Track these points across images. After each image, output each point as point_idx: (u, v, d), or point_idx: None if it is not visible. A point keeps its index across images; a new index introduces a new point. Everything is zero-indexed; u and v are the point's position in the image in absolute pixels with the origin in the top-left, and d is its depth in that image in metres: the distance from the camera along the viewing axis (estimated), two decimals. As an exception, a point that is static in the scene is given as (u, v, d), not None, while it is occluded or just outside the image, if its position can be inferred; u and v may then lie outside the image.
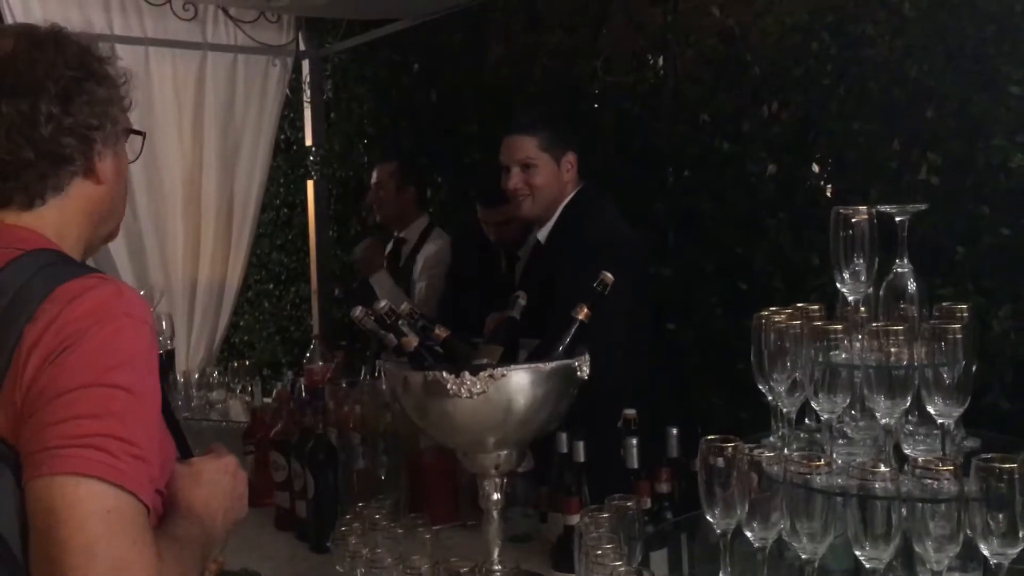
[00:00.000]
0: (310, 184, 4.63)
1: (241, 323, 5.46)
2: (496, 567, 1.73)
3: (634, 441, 1.85)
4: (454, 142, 4.33)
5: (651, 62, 3.77)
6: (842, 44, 3.09)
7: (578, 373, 1.77)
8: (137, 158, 1.40)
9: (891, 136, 2.96)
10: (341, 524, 1.79)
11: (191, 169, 4.26)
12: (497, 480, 1.82)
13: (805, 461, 1.11)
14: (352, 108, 4.78)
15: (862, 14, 3.03)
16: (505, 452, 1.80)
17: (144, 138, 1.40)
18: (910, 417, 1.26)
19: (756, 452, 1.14)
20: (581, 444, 1.95)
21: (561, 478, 1.97)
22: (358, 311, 1.78)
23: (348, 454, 2.18)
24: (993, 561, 1.07)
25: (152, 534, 1.05)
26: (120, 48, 4.04)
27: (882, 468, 1.08)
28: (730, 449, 1.14)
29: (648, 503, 1.70)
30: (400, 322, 1.73)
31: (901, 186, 2.92)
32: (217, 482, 1.28)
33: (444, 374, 1.67)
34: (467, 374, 1.67)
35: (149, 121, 4.10)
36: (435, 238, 3.77)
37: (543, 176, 2.58)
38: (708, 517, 1.18)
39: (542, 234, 2.63)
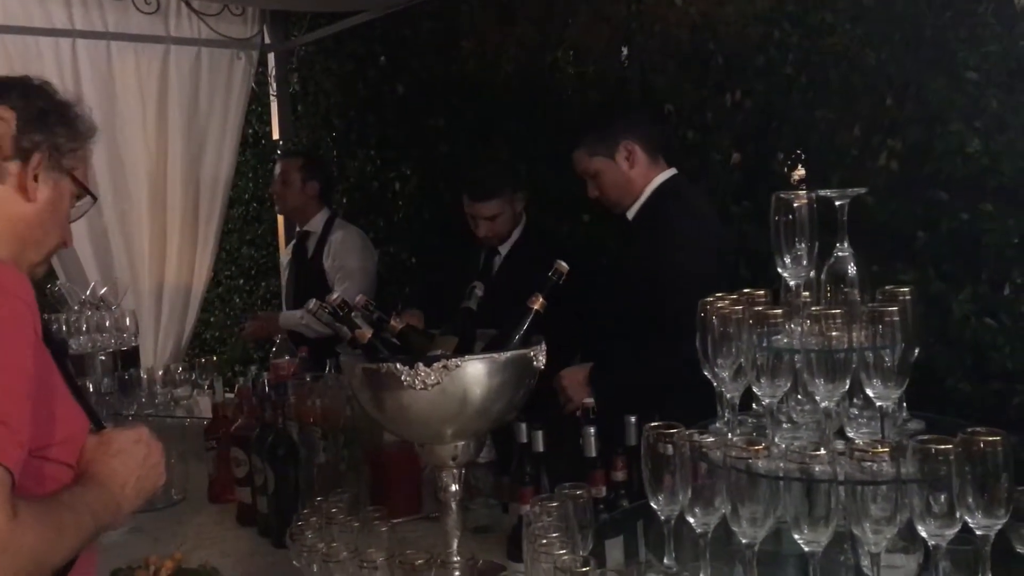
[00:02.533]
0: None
1: (212, 319, 5.43)
2: (454, 558, 1.73)
3: (591, 430, 1.85)
4: (422, 135, 4.32)
5: (618, 53, 3.78)
6: (803, 33, 3.11)
7: (534, 363, 1.77)
8: (80, 216, 1.51)
9: (852, 123, 2.98)
10: (298, 519, 1.78)
11: (156, 165, 4.21)
12: (455, 471, 1.81)
13: (745, 446, 1.12)
14: (319, 101, 4.75)
15: (822, 2, 3.05)
16: (463, 443, 1.79)
17: (93, 203, 1.51)
18: (855, 400, 1.27)
19: (698, 438, 1.14)
20: (540, 433, 1.95)
21: (521, 468, 1.97)
22: (312, 304, 1.77)
23: (309, 449, 2.16)
24: (931, 542, 1.08)
25: (10, 497, 1.07)
26: (81, 44, 4.03)
27: (820, 451, 1.08)
28: (673, 436, 1.15)
29: (603, 491, 1.71)
30: (354, 314, 1.72)
31: (862, 172, 2.94)
32: (128, 451, 1.33)
33: (398, 365, 1.66)
34: (421, 365, 1.66)
35: (112, 117, 4.07)
36: (339, 228, 3.82)
37: (607, 178, 2.61)
38: (652, 504, 1.18)
39: (630, 212, 2.64)
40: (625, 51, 3.79)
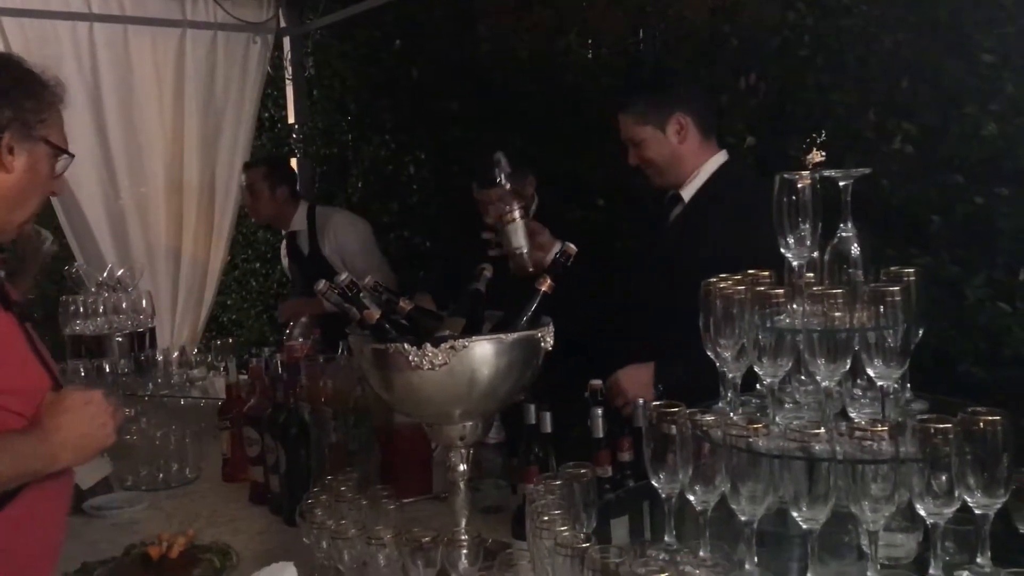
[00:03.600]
0: (294, 162, 4.62)
1: (228, 302, 5.47)
2: (461, 537, 1.75)
3: (599, 411, 1.86)
4: (437, 119, 4.32)
5: (633, 37, 3.76)
6: (818, 15, 3.08)
7: (542, 344, 1.77)
8: (61, 174, 1.61)
9: (867, 107, 2.96)
10: (308, 497, 1.80)
11: (172, 148, 4.25)
12: (463, 451, 1.82)
13: (745, 425, 1.12)
14: (334, 85, 4.76)
15: (837, -17, 3.02)
16: (471, 423, 1.80)
17: (71, 159, 1.60)
18: (858, 381, 1.27)
19: (699, 417, 1.15)
20: (548, 415, 1.97)
21: (529, 449, 1.98)
22: (321, 285, 1.78)
23: (321, 428, 2.19)
24: (930, 521, 1.08)
25: None
26: (98, 27, 4.06)
27: (819, 430, 1.09)
28: (675, 414, 1.15)
29: (609, 472, 1.72)
30: (362, 295, 1.73)
31: (877, 156, 2.92)
32: (77, 410, 1.46)
33: (406, 346, 1.68)
34: (429, 346, 1.67)
35: (129, 100, 4.10)
36: (323, 216, 3.81)
37: (652, 149, 2.42)
38: (653, 482, 1.19)
39: (686, 192, 2.45)
40: (640, 34, 3.77)
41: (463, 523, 1.80)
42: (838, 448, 1.07)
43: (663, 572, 1.03)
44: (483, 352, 1.71)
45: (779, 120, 3.21)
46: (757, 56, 3.24)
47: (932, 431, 1.05)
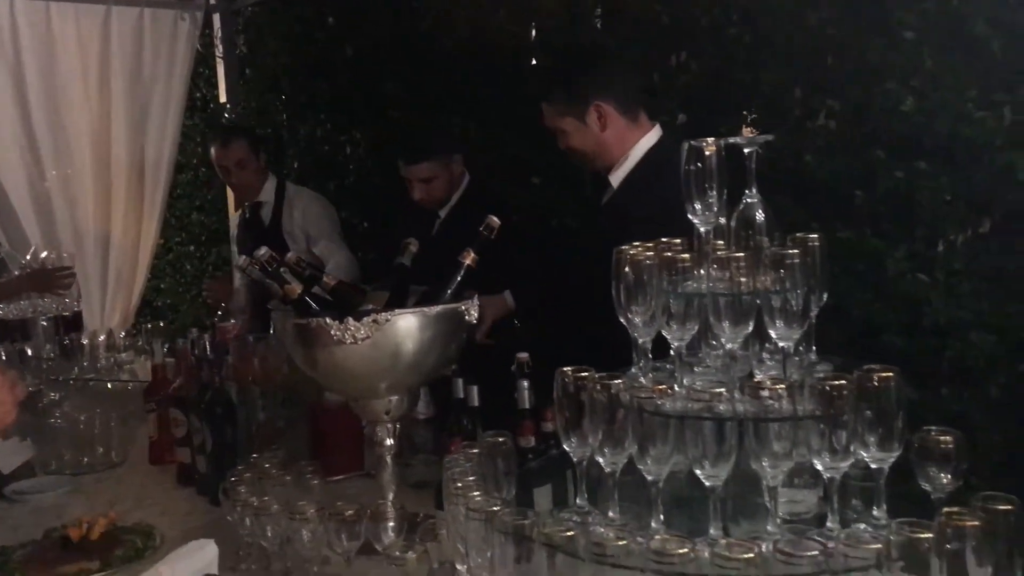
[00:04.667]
0: (225, 142, 4.52)
1: (163, 286, 5.37)
2: (387, 510, 1.75)
3: (525, 383, 1.87)
4: (374, 98, 4.27)
5: (568, 15, 3.76)
6: (746, -7, 3.12)
7: (466, 317, 1.78)
8: None
9: (793, 84, 3.01)
10: (232, 475, 1.78)
11: (99, 129, 4.14)
12: (390, 425, 1.83)
13: (651, 388, 1.14)
14: (267, 64, 4.67)
15: (765, -38, 3.06)
16: (396, 398, 1.80)
17: None
18: (767, 346, 1.30)
19: (608, 381, 1.16)
20: (475, 388, 1.97)
21: (457, 422, 1.99)
22: (242, 260, 1.76)
23: (248, 408, 2.17)
24: (827, 475, 1.11)
25: None
26: (20, 5, 3.93)
27: (720, 390, 1.11)
28: (584, 379, 1.17)
29: (532, 442, 1.74)
30: (283, 270, 1.71)
31: (803, 133, 2.98)
32: None
33: (328, 320, 1.67)
34: (351, 319, 1.66)
35: (53, 79, 3.99)
36: (295, 193, 3.76)
37: (574, 138, 2.40)
38: (565, 447, 1.21)
39: (615, 178, 2.42)
40: (575, 13, 3.77)
41: (390, 497, 1.81)
42: (740, 407, 1.09)
43: (569, 531, 1.05)
44: (407, 325, 1.71)
45: (710, 98, 3.24)
46: (688, 34, 3.27)
47: (829, 388, 1.08)
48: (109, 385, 2.86)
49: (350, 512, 1.60)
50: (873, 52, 2.79)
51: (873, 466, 1.13)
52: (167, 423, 2.32)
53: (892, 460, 1.12)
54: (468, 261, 1.80)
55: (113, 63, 4.13)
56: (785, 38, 3.03)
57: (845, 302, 2.79)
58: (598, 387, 1.15)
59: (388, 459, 1.84)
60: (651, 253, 1.23)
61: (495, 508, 1.13)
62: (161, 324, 3.44)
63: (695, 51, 3.26)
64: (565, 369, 1.19)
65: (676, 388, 1.15)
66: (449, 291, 1.79)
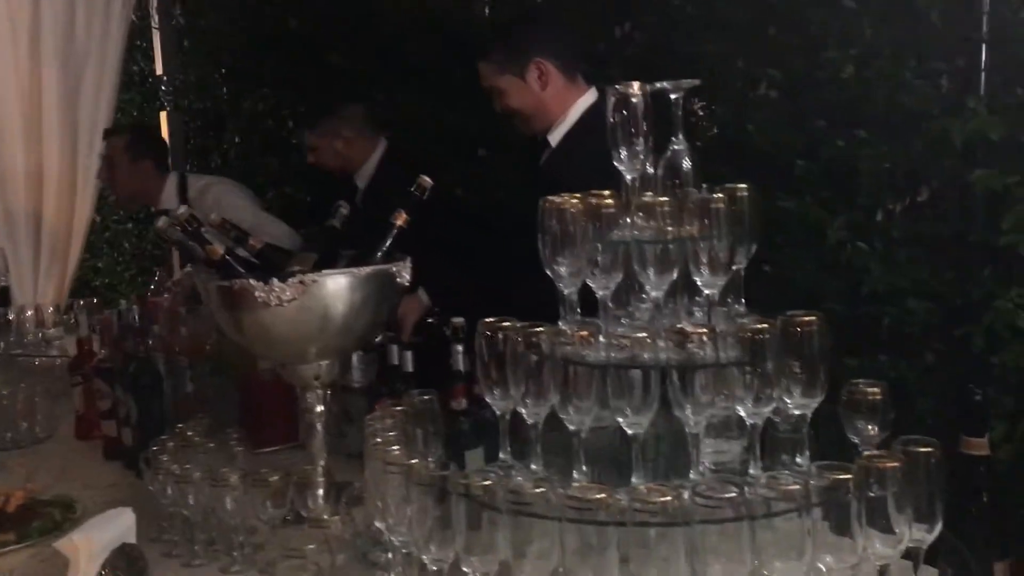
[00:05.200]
0: (164, 116, 4.41)
1: (100, 264, 5.22)
2: (317, 478, 1.70)
3: (459, 347, 1.84)
4: (319, 71, 4.18)
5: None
6: (689, -38, 3.10)
7: (397, 279, 1.74)
8: None
9: (736, 54, 3.00)
10: (154, 444, 1.72)
11: (30, 102, 3.99)
12: (320, 392, 1.78)
13: (573, 336, 1.11)
14: (207, 36, 4.55)
15: (707, -70, 3.04)
16: (327, 362, 1.76)
17: None
18: (697, 299, 1.27)
19: (529, 331, 1.13)
20: (409, 354, 1.93)
21: (391, 388, 1.95)
22: (162, 221, 1.69)
23: (176, 379, 2.10)
24: (749, 422, 1.10)
25: None
26: (-58, -30, 3.77)
27: (642, 334, 1.09)
28: (506, 328, 1.13)
29: (464, 404, 1.71)
30: (203, 230, 1.65)
31: (746, 104, 2.98)
32: None
33: (252, 281, 1.62)
34: (276, 281, 1.61)
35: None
36: (202, 190, 3.50)
37: (515, 98, 2.37)
38: (487, 399, 1.17)
39: (553, 137, 2.40)
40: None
41: (320, 465, 1.76)
42: (663, 356, 1.07)
43: (485, 480, 1.02)
44: (336, 287, 1.66)
45: (654, 69, 3.22)
46: (633, 4, 3.25)
47: (752, 334, 1.07)
48: (36, 361, 2.76)
49: (275, 478, 1.55)
50: (814, 22, 2.79)
51: (796, 412, 1.11)
52: (93, 397, 2.24)
53: (815, 406, 1.11)
54: (400, 222, 1.76)
55: (43, 34, 3.98)
56: (727, 8, 3.02)
57: (787, 271, 2.81)
58: (519, 337, 1.12)
59: (318, 426, 1.79)
60: (576, 202, 1.19)
61: (413, 461, 1.09)
62: (95, 300, 3.32)
63: (639, 22, 3.24)
64: (487, 320, 1.15)
65: (600, 338, 1.12)
66: (380, 252, 1.74)
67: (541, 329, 1.11)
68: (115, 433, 2.14)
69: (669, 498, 0.94)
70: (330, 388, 1.81)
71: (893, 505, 1.02)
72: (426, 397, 1.33)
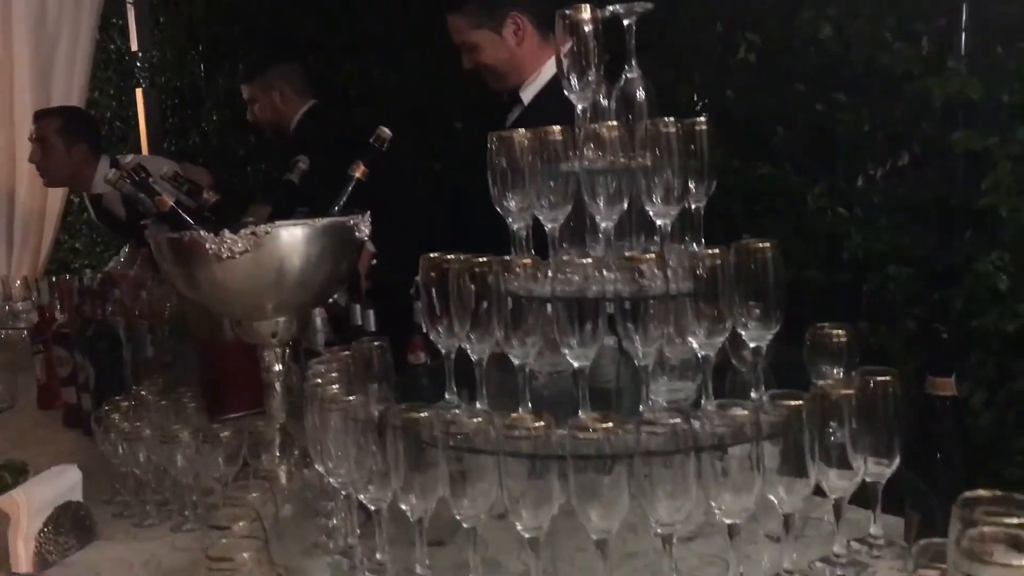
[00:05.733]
0: (139, 93, 4.35)
1: (78, 245, 5.16)
2: (269, 433, 1.66)
3: (419, 304, 1.79)
4: (294, 45, 4.12)
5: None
6: (666, -75, 3.05)
7: (355, 233, 1.69)
8: None
9: (714, 18, 2.96)
10: (106, 405, 1.67)
11: (2, 81, 3.93)
12: (278, 350, 1.73)
13: (519, 270, 1.07)
14: (182, 12, 4.48)
15: None
16: (284, 319, 1.71)
17: None
18: (655, 239, 1.23)
19: (472, 262, 1.08)
20: (371, 313, 1.89)
21: (353, 349, 1.90)
22: (111, 174, 1.64)
23: (136, 344, 2.05)
24: (701, 353, 1.05)
25: None
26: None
27: (587, 260, 1.04)
28: (449, 262, 1.09)
29: (423, 358, 1.66)
30: (152, 180, 1.60)
31: (724, 69, 2.93)
32: None
33: (202, 233, 1.56)
34: (227, 232, 1.56)
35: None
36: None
37: (489, 53, 2.30)
38: (431, 337, 1.12)
39: (526, 95, 2.34)
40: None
41: (277, 425, 1.72)
42: (610, 288, 1.02)
43: (423, 412, 0.97)
44: (291, 239, 1.61)
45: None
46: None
47: (704, 262, 1.02)
48: (1, 333, 2.70)
49: (227, 434, 1.51)
50: (791, -18, 2.75)
51: (752, 344, 1.07)
52: (54, 364, 2.19)
53: (769, 338, 1.06)
54: (358, 174, 1.71)
55: (14, 11, 3.92)
56: (704, -28, 2.98)
57: (766, 238, 2.76)
58: (464, 270, 1.07)
59: (277, 386, 1.74)
60: (525, 133, 1.14)
61: (350, 398, 1.05)
62: (67, 277, 3.26)
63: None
64: (431, 254, 1.10)
65: (548, 272, 1.07)
66: (338, 205, 1.69)
67: (485, 260, 1.06)
68: (75, 399, 2.09)
69: (609, 425, 0.89)
70: (289, 347, 1.76)
71: (848, 437, 0.97)
72: (376, 343, 1.28)
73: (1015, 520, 0.64)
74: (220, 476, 1.50)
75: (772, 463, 0.98)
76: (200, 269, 1.62)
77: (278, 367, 1.74)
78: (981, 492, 0.66)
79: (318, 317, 2.00)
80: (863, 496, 1.08)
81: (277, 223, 1.59)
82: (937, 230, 2.61)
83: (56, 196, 4.11)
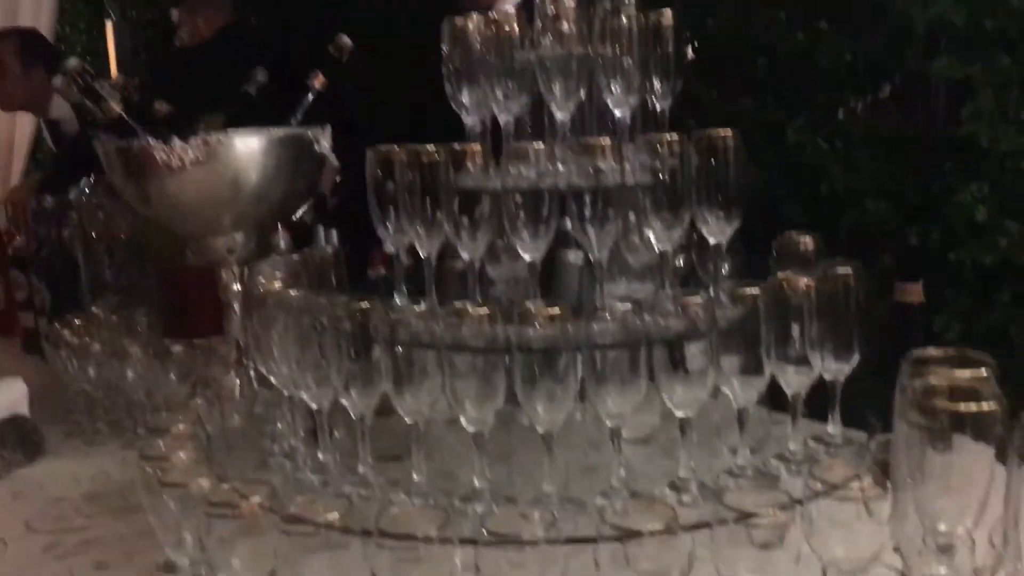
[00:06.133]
0: (109, 26, 4.22)
1: (50, 187, 5.06)
2: (223, 348, 1.61)
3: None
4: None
5: None
6: None
7: (315, 147, 1.63)
8: None
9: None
10: (58, 322, 1.62)
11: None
12: (236, 268, 1.68)
13: (468, 162, 1.02)
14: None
15: None
16: (241, 234, 1.65)
17: None
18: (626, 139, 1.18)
19: (417, 152, 1.03)
20: (334, 232, 1.84)
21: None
22: (58, 80, 1.57)
23: (93, 267, 1.99)
24: (659, 247, 1.01)
25: None
26: None
27: (539, 147, 0.99)
28: (394, 154, 1.03)
29: (383, 271, 1.61)
30: (98, 84, 1.53)
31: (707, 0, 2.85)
32: None
33: (151, 141, 1.50)
34: (176, 140, 1.50)
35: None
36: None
37: None
38: (380, 234, 1.08)
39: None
40: None
41: (235, 344, 1.67)
42: (563, 182, 0.98)
43: (363, 305, 0.93)
44: (246, 149, 1.55)
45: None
46: None
47: (661, 147, 0.97)
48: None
49: (179, 349, 1.46)
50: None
51: (712, 240, 1.02)
52: (11, 289, 2.13)
53: (731, 232, 1.02)
54: (317, 85, 1.64)
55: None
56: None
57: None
58: (412, 162, 1.02)
59: (236, 306, 1.69)
60: (479, 20, 1.08)
61: (291, 291, 1.00)
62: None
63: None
64: (378, 147, 1.05)
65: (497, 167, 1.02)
66: (296, 116, 1.63)
67: (433, 149, 1.01)
68: (32, 324, 2.03)
69: (557, 311, 0.85)
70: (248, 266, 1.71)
71: (807, 331, 0.94)
72: (329, 249, 1.24)
73: (967, 374, 0.60)
74: (171, 392, 1.46)
75: (730, 362, 0.95)
76: (151, 181, 1.56)
77: (236, 287, 1.69)
78: (931, 350, 0.63)
79: (282, 240, 1.94)
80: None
81: (231, 131, 1.54)
82: (918, 164, 2.56)
83: (24, 130, 4.00)
